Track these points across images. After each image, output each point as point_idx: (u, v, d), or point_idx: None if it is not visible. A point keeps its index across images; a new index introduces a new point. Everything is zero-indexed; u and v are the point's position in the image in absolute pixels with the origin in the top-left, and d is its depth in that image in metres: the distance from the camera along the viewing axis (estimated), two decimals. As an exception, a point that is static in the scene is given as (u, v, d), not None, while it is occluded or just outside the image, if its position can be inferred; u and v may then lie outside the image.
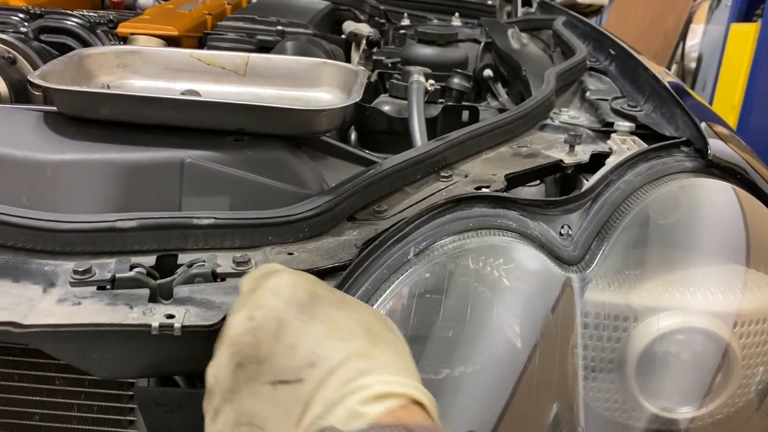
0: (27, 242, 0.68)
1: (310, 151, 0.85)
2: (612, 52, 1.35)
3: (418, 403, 0.46)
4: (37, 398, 0.69)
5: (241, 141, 0.79)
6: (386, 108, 1.20)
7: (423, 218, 0.68)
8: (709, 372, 0.67)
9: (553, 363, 0.65)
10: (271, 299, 0.50)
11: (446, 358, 0.64)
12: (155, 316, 0.60)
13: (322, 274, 0.69)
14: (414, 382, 0.48)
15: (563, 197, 0.74)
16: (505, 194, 0.72)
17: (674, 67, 4.50)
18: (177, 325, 0.59)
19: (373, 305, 0.62)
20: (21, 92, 1.16)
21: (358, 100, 0.83)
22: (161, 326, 0.58)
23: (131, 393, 0.69)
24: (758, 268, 0.69)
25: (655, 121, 1.01)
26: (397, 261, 0.64)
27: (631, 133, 0.95)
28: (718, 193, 0.72)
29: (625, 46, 1.31)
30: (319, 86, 0.93)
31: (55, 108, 0.81)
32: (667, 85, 1.03)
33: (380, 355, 0.48)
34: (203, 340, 0.62)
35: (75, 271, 0.64)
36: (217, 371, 0.51)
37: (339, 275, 0.67)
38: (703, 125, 0.82)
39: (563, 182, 1.01)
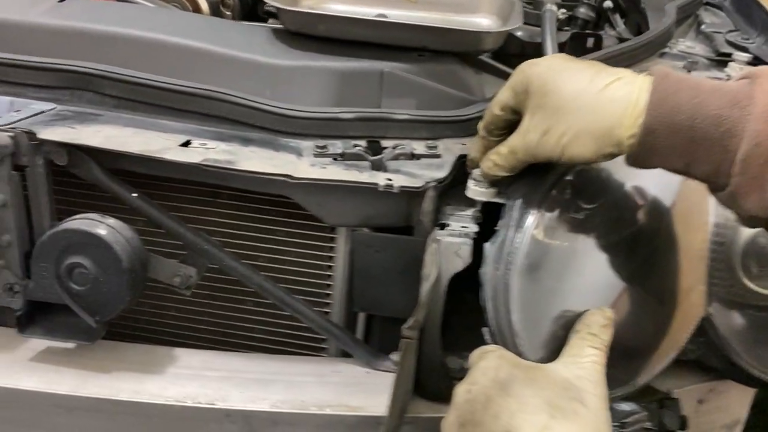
0: (275, 125, 0.93)
1: (472, 66, 1.06)
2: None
3: None
4: (269, 239, 0.96)
5: (423, 56, 1.00)
6: (519, 33, 1.38)
7: None
8: None
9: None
10: (481, 378, 0.66)
11: None
12: (379, 178, 0.84)
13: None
14: None
15: None
16: None
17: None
18: (396, 185, 0.83)
19: (557, 179, 0.78)
20: (216, 11, 1.40)
21: (517, 25, 1.03)
22: (385, 185, 0.83)
23: (333, 236, 0.95)
24: None
25: (765, 53, 1.16)
26: None
27: (748, 63, 1.10)
28: None
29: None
30: (479, 12, 1.13)
31: (281, 25, 1.05)
32: (779, 21, 1.17)
33: (558, 427, 0.60)
34: (408, 199, 0.87)
35: (317, 146, 0.89)
36: (447, 426, 0.67)
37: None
38: None
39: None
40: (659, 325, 0.82)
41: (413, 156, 0.90)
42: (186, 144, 0.87)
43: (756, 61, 1.13)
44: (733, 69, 1.09)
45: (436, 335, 0.81)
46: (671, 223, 0.82)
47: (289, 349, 1.01)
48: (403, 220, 0.90)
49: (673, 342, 0.83)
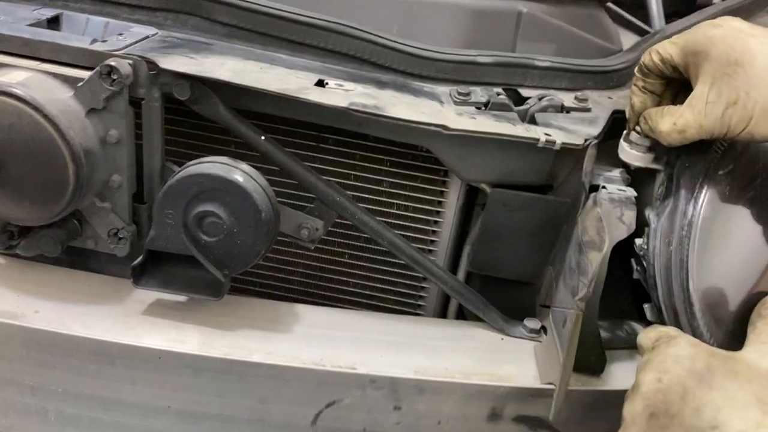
0: (408, 66, 0.84)
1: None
2: None
3: None
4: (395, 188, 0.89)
5: (563, -2, 0.92)
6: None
7: None
8: None
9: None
10: (674, 366, 0.60)
11: None
12: (537, 132, 0.77)
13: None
14: None
15: None
16: None
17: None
18: (558, 141, 0.76)
19: (722, 144, 0.72)
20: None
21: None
22: (547, 141, 0.76)
23: (444, 189, 0.88)
24: None
25: None
26: None
27: None
28: None
29: None
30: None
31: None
32: None
33: None
34: (554, 158, 0.81)
35: (459, 93, 0.81)
36: (633, 416, 0.61)
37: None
38: None
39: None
40: None
41: (563, 108, 0.83)
42: (320, 84, 0.79)
43: None
44: None
45: (596, 307, 0.76)
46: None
47: (386, 305, 0.96)
48: (545, 178, 0.83)
49: None
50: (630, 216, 0.76)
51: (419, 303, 0.98)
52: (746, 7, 1.10)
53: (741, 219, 0.74)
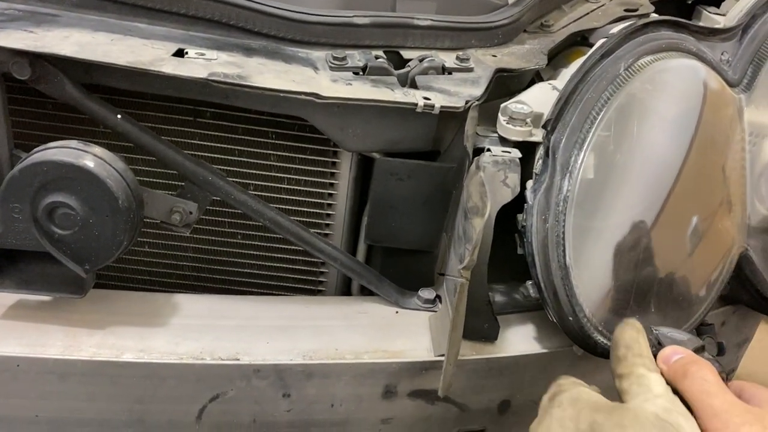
0: (280, 31, 0.79)
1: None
2: None
3: None
4: (283, 162, 0.84)
5: (441, -49, 0.87)
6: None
7: (622, 38, 0.75)
8: None
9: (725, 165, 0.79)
10: (559, 431, 0.58)
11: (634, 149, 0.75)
12: (416, 97, 0.73)
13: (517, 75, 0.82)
14: None
15: (721, 27, 0.85)
16: (680, 20, 0.82)
17: None
18: (437, 105, 0.72)
19: (597, 116, 0.71)
20: None
21: None
22: (425, 105, 0.72)
23: (334, 170, 0.84)
24: None
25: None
26: (611, 74, 0.73)
27: None
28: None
29: None
30: None
31: None
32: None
33: None
34: (438, 122, 0.77)
35: (334, 57, 0.76)
36: None
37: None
38: None
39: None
40: (703, 262, 0.79)
41: (444, 70, 0.79)
42: (180, 54, 0.72)
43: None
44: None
45: (484, 273, 0.74)
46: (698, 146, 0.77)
47: (284, 285, 0.92)
48: (431, 143, 0.80)
49: (715, 278, 0.80)
50: (514, 178, 0.73)
51: (320, 280, 0.94)
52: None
53: (616, 192, 0.73)
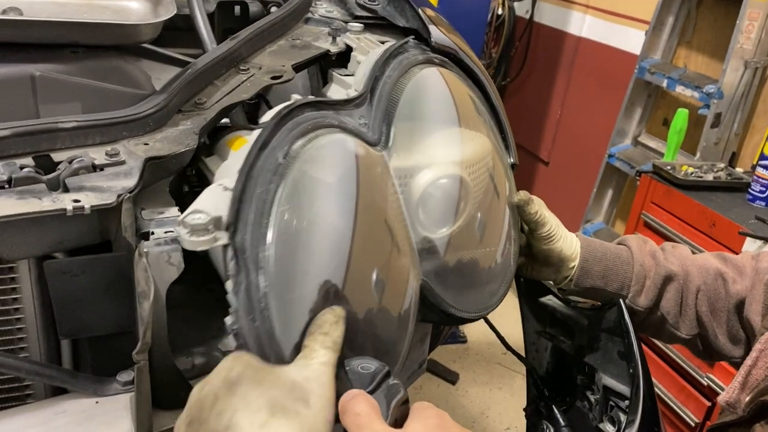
0: None
1: (136, 57, 1.01)
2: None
3: None
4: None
5: (77, 53, 0.92)
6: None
7: (273, 127, 0.80)
8: (455, 201, 0.98)
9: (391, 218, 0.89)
10: (214, 378, 0.66)
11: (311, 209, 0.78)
12: (65, 202, 0.78)
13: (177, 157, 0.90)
14: None
15: (353, 97, 0.96)
16: (319, 98, 0.91)
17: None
18: (87, 206, 0.78)
19: (271, 208, 0.75)
20: None
21: (174, 12, 1.00)
22: (74, 209, 0.77)
23: (13, 274, 0.85)
24: (467, 126, 1.05)
25: (390, 13, 1.32)
26: (272, 165, 0.76)
27: (372, 24, 1.25)
28: (433, 77, 1.04)
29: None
30: (127, -5, 1.07)
31: None
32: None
33: (276, 424, 0.62)
34: (100, 215, 0.82)
35: (-18, 176, 0.78)
36: (178, 424, 0.67)
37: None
38: (423, 16, 1.15)
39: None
40: (393, 305, 0.86)
41: (95, 168, 0.84)
42: None
43: (381, 20, 1.29)
44: (351, 40, 1.21)
45: (166, 347, 0.80)
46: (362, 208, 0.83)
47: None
48: (98, 237, 0.85)
49: (405, 312, 0.90)
50: (177, 257, 0.81)
51: (26, 386, 0.93)
52: (280, 25, 1.23)
53: (306, 271, 0.76)
